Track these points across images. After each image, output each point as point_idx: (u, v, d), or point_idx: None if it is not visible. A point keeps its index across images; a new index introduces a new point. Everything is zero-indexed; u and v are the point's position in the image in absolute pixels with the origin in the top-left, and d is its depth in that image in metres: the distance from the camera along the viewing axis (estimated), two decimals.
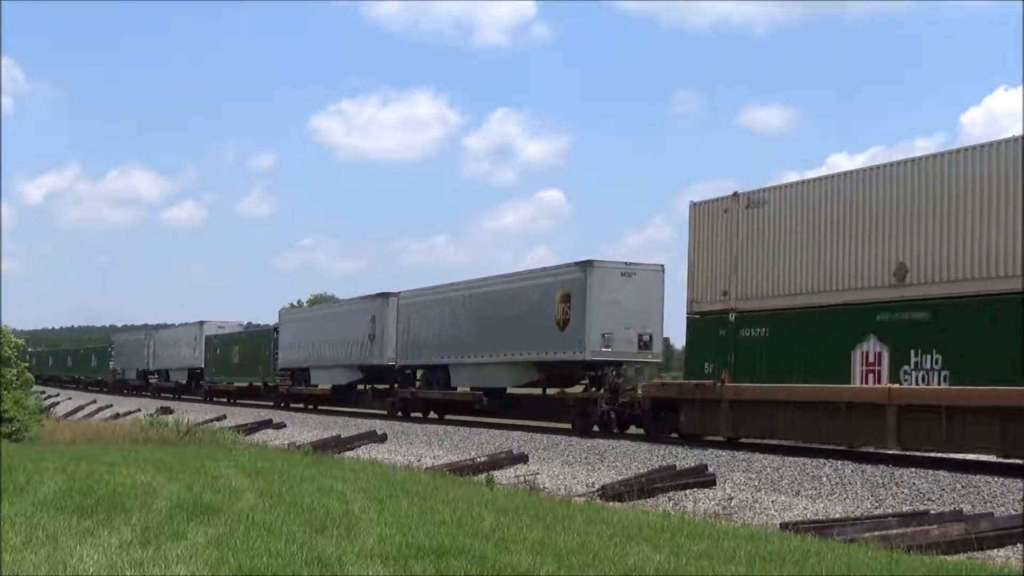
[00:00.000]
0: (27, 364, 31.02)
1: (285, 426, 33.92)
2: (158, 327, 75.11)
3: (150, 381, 60.83)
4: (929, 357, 16.90)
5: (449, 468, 20.29)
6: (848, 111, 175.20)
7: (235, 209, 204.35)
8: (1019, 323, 15.49)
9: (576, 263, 25.85)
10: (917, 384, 16.96)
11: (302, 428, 32.72)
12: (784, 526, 13.07)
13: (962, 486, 14.84)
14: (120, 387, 65.59)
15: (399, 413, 33.68)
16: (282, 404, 42.60)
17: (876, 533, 11.91)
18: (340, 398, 39.35)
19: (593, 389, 25.29)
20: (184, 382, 55.35)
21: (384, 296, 35.50)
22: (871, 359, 17.76)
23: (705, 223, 21.66)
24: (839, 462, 17.34)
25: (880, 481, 15.77)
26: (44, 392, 60.42)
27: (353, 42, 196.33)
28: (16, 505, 10.75)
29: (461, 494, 13.67)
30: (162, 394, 57.51)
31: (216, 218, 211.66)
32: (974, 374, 16.12)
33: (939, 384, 16.64)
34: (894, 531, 12.13)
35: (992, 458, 16.57)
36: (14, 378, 27.83)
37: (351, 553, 8.20)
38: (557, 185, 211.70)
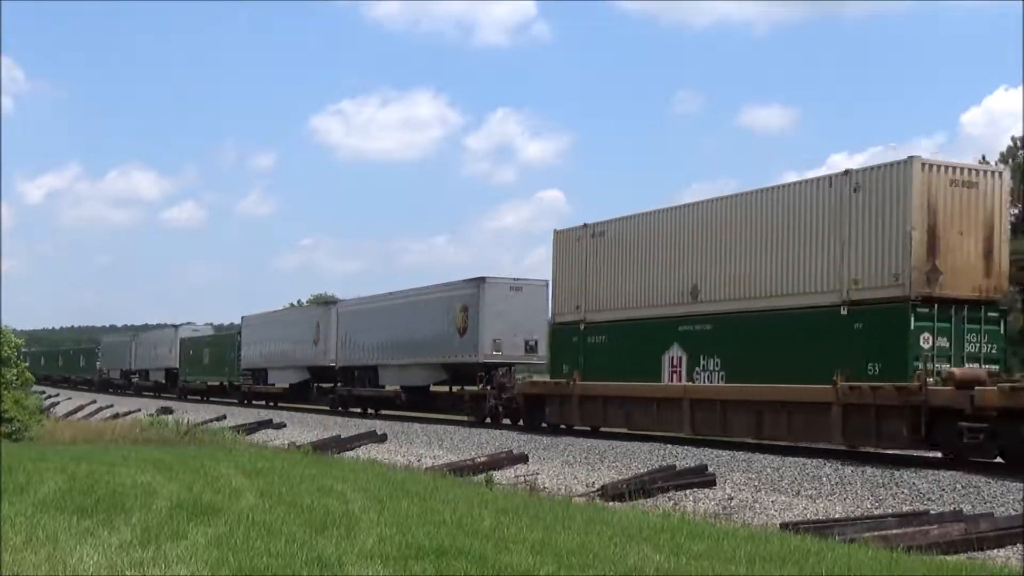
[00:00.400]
0: (26, 364, 30.99)
1: (285, 426, 33.94)
2: (141, 330, 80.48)
3: (132, 380, 64.47)
4: (712, 360, 21.19)
5: (449, 468, 20.29)
6: (848, 111, 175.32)
7: (235, 209, 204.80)
8: (771, 333, 19.91)
9: (471, 279, 30.30)
10: (704, 383, 21.22)
11: (302, 428, 32.74)
12: (784, 526, 13.07)
13: (962, 486, 14.84)
14: (106, 386, 69.18)
15: (339, 408, 37.98)
16: (245, 401, 47.16)
17: (876, 533, 11.91)
18: (295, 396, 43.08)
19: (485, 387, 28.89)
20: (163, 381, 59.01)
21: (327, 305, 41.57)
22: (675, 363, 22.11)
23: (564, 248, 26.11)
24: (839, 462, 17.35)
25: (880, 481, 15.78)
26: (44, 392, 60.50)
27: (353, 42, 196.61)
28: (16, 505, 10.75)
29: (461, 494, 13.67)
30: (143, 392, 61.19)
31: (216, 218, 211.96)
32: (740, 375, 20.42)
33: (717, 383, 20.94)
34: (894, 531, 12.13)
35: (990, 458, 16.60)
36: (14, 378, 27.82)
37: (351, 553, 8.20)
38: (557, 185, 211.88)
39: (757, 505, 15.68)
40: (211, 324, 65.15)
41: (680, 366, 21.91)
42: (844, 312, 18.37)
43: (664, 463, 18.80)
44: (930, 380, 16.74)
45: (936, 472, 15.84)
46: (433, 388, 33.27)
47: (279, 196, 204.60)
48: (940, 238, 17.62)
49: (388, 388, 35.36)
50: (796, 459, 17.92)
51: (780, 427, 19.60)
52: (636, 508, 14.86)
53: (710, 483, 17.20)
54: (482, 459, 21.49)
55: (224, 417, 38.83)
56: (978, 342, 17.86)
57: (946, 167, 17.91)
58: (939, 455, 17.30)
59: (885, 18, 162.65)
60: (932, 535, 11.85)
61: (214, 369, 51.56)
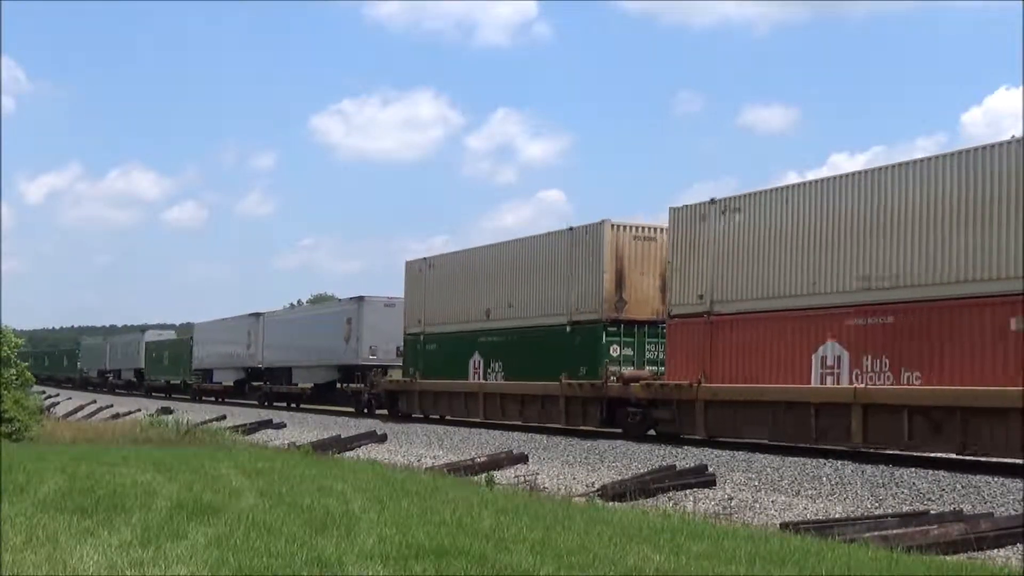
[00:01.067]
0: (27, 364, 30.99)
1: (285, 426, 33.94)
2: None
3: (107, 379, 71.64)
4: (498, 364, 27.97)
5: (449, 468, 20.29)
6: (849, 111, 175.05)
7: (236, 209, 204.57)
8: (530, 345, 26.59)
9: (353, 298, 38.76)
10: (492, 381, 28.06)
11: (302, 428, 32.75)
12: (784, 526, 13.07)
13: (962, 486, 14.84)
14: (84, 384, 75.45)
15: (266, 403, 45.47)
16: (198, 397, 54.35)
17: (876, 533, 11.91)
18: (235, 392, 50.51)
19: (360, 384, 36.38)
20: (133, 379, 66.37)
21: (256, 315, 48.35)
22: (476, 366, 28.90)
23: (411, 276, 33.16)
24: (839, 462, 17.36)
25: (880, 481, 15.78)
26: (44, 392, 60.65)
27: (354, 42, 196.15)
28: (16, 505, 10.76)
29: (461, 494, 13.67)
30: (116, 390, 67.80)
31: (217, 218, 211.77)
32: (514, 375, 27.29)
33: (499, 381, 27.79)
34: (894, 531, 12.13)
35: (990, 458, 16.60)
36: (14, 378, 27.81)
37: (351, 553, 8.20)
38: (558, 185, 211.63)
39: (757, 505, 15.68)
40: (174, 327, 74.73)
41: (479, 368, 28.77)
42: (568, 330, 25.23)
43: (664, 463, 18.80)
44: (612, 379, 23.26)
45: (936, 472, 15.84)
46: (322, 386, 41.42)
47: (280, 196, 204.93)
48: (626, 277, 24.29)
49: (300, 385, 43.39)
50: (796, 459, 17.92)
51: (534, 413, 26.48)
52: (636, 508, 14.85)
53: (710, 483, 17.20)
54: (482, 459, 21.49)
55: (224, 417, 38.84)
56: (656, 351, 23.92)
57: (631, 226, 24.43)
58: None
59: (886, 18, 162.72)
60: (932, 535, 11.85)
61: (173, 369, 59.22)
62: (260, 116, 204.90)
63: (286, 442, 28.68)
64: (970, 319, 16.45)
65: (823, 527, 12.47)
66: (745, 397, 20.05)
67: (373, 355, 37.01)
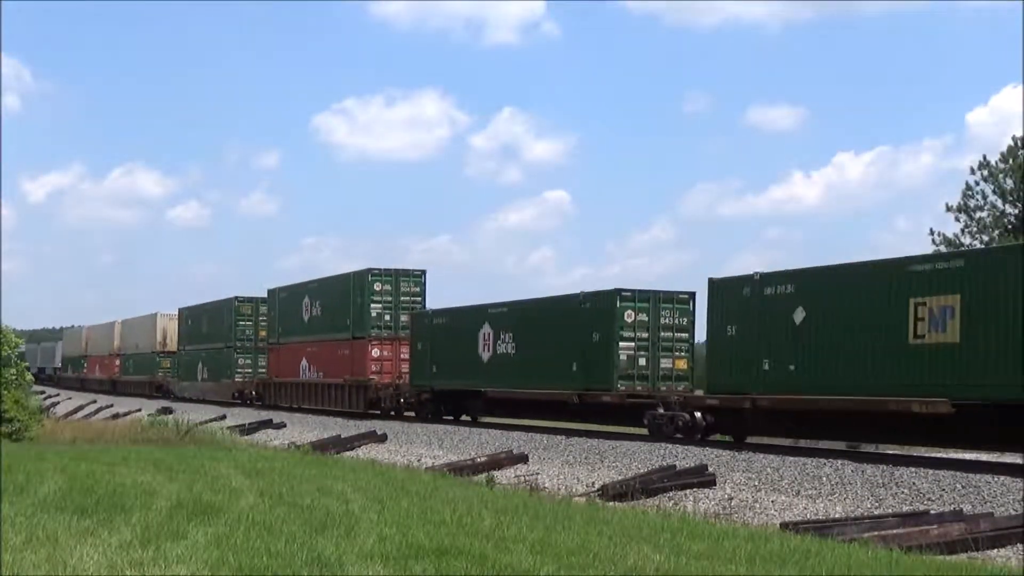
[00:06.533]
0: (26, 364, 30.95)
1: (285, 426, 33.94)
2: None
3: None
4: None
5: (449, 468, 20.29)
6: (855, 110, 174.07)
7: (238, 208, 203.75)
8: None
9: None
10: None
11: (302, 428, 32.74)
12: (784, 526, 13.07)
13: (962, 486, 14.84)
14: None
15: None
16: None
17: (876, 533, 11.91)
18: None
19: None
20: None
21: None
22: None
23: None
24: (839, 462, 17.35)
25: (880, 481, 15.78)
26: (44, 392, 60.73)
27: (359, 41, 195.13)
28: (16, 505, 10.75)
29: (461, 494, 13.67)
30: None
31: (220, 218, 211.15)
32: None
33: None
34: (894, 531, 12.13)
35: (991, 457, 16.61)
36: (14, 378, 27.78)
37: (351, 553, 8.20)
38: (563, 185, 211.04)
39: (757, 505, 15.68)
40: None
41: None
42: None
43: (664, 463, 18.80)
44: None
45: (936, 472, 15.84)
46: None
47: (282, 195, 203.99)
48: None
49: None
50: (796, 459, 17.92)
51: None
52: (636, 508, 14.85)
53: (710, 483, 17.20)
54: (482, 459, 21.49)
55: (224, 417, 38.85)
56: None
57: None
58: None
59: (894, 17, 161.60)
60: (932, 535, 11.85)
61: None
62: (263, 115, 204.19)
63: (286, 442, 28.67)
64: None
65: (823, 527, 12.47)
66: None
67: None
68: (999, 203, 42.08)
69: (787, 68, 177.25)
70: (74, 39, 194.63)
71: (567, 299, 26.21)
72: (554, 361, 25.38)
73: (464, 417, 30.74)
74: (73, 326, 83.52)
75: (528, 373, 26.52)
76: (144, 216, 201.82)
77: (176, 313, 53.16)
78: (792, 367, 19.20)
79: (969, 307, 16.27)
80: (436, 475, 18.24)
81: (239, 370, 44.36)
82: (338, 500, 12.14)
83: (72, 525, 9.44)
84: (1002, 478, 15.01)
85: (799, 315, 19.14)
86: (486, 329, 28.28)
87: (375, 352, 33.53)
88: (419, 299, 34.41)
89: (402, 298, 34.11)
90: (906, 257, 18.13)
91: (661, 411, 22.18)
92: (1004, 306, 15.87)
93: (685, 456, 19.30)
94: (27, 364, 54.93)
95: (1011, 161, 41.75)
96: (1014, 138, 42.49)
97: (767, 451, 19.15)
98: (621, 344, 23.81)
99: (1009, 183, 41.76)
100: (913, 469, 16.20)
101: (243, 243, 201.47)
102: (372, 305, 33.86)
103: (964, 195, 42.50)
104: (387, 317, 33.87)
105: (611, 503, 15.89)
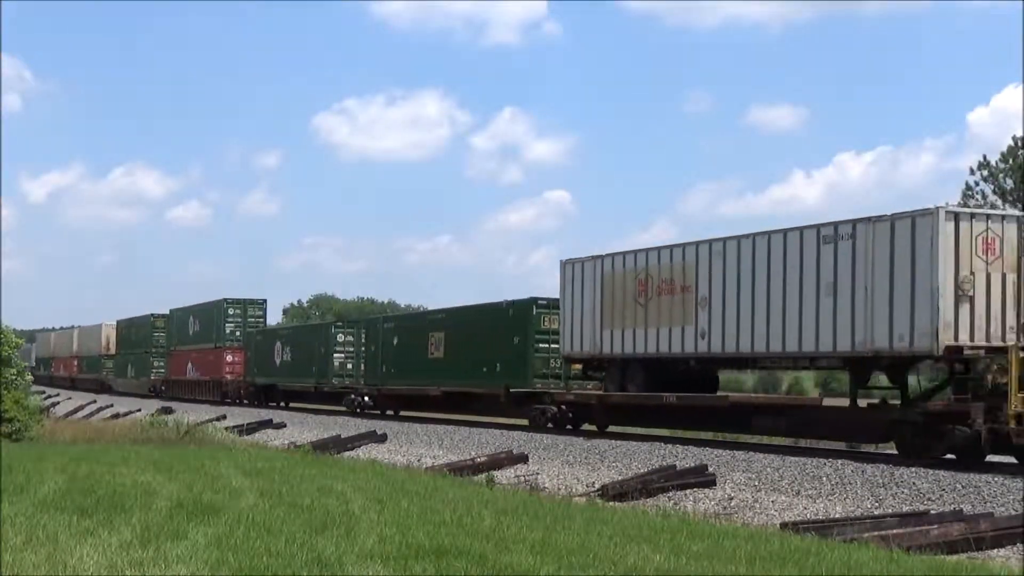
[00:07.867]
0: (26, 364, 30.95)
1: (285, 426, 33.94)
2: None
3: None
4: None
5: (449, 468, 20.28)
6: (856, 110, 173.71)
7: (239, 208, 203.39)
8: None
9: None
10: None
11: (302, 428, 32.74)
12: (784, 526, 13.07)
13: (962, 486, 14.84)
14: None
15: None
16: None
17: (876, 533, 11.91)
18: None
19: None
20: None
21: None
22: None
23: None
24: (839, 462, 17.35)
25: (880, 481, 15.77)
26: (44, 392, 60.78)
27: (359, 41, 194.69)
28: (16, 505, 10.76)
29: (461, 494, 13.67)
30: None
31: (220, 217, 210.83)
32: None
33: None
34: (894, 531, 12.13)
35: (991, 457, 16.62)
36: (14, 377, 27.76)
37: (351, 553, 8.20)
38: (564, 185, 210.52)
39: (757, 505, 15.68)
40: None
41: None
42: None
43: (664, 463, 18.80)
44: None
45: (936, 472, 15.84)
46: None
47: (283, 195, 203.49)
48: None
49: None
50: (796, 459, 17.92)
51: None
52: (636, 508, 14.86)
53: (710, 483, 17.20)
54: (482, 459, 21.48)
55: (224, 417, 38.85)
56: None
57: None
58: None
59: (895, 17, 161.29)
60: (932, 535, 11.85)
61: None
62: (264, 115, 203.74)
63: (286, 442, 28.67)
64: None
65: (823, 527, 12.47)
66: None
67: None
68: (999, 203, 42.11)
69: (788, 68, 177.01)
70: (75, 39, 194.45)
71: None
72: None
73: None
74: (55, 328, 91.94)
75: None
76: (144, 216, 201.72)
77: (115, 324, 66.35)
78: None
79: None
80: (436, 475, 18.25)
81: (154, 370, 57.66)
82: (338, 500, 12.14)
83: (72, 525, 9.45)
84: (1002, 478, 15.02)
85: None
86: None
87: (228, 357, 47.53)
88: (261, 320, 49.78)
89: (249, 319, 48.70)
90: None
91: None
92: None
93: (685, 456, 19.30)
94: (26, 364, 56.12)
95: (1011, 161, 41.79)
96: (1014, 138, 42.55)
97: (767, 451, 19.15)
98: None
99: (1009, 183, 41.81)
100: (913, 469, 16.21)
101: (243, 243, 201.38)
102: (227, 324, 48.37)
103: (964, 195, 42.55)
104: (238, 333, 48.13)
105: (611, 503, 15.90)
